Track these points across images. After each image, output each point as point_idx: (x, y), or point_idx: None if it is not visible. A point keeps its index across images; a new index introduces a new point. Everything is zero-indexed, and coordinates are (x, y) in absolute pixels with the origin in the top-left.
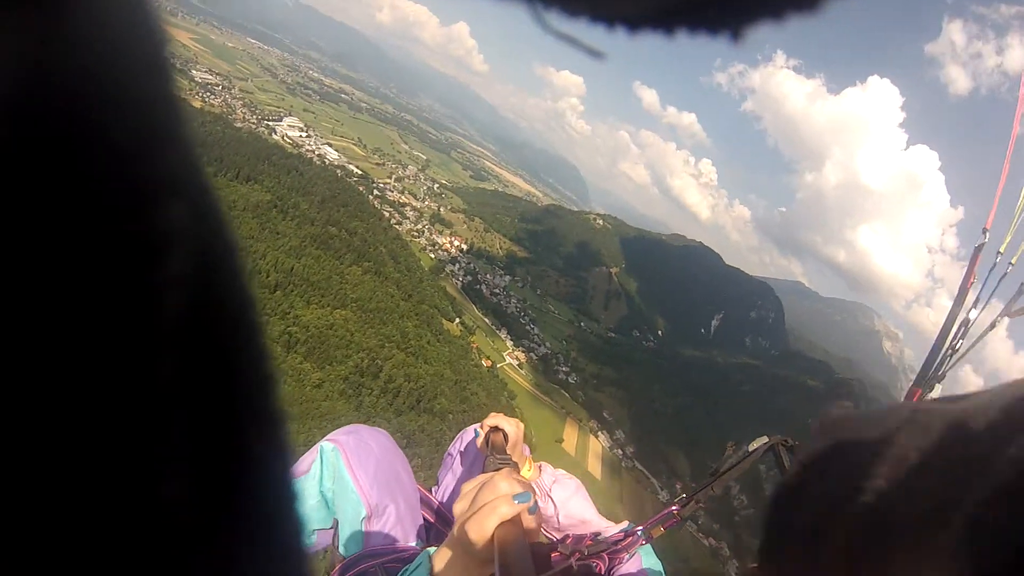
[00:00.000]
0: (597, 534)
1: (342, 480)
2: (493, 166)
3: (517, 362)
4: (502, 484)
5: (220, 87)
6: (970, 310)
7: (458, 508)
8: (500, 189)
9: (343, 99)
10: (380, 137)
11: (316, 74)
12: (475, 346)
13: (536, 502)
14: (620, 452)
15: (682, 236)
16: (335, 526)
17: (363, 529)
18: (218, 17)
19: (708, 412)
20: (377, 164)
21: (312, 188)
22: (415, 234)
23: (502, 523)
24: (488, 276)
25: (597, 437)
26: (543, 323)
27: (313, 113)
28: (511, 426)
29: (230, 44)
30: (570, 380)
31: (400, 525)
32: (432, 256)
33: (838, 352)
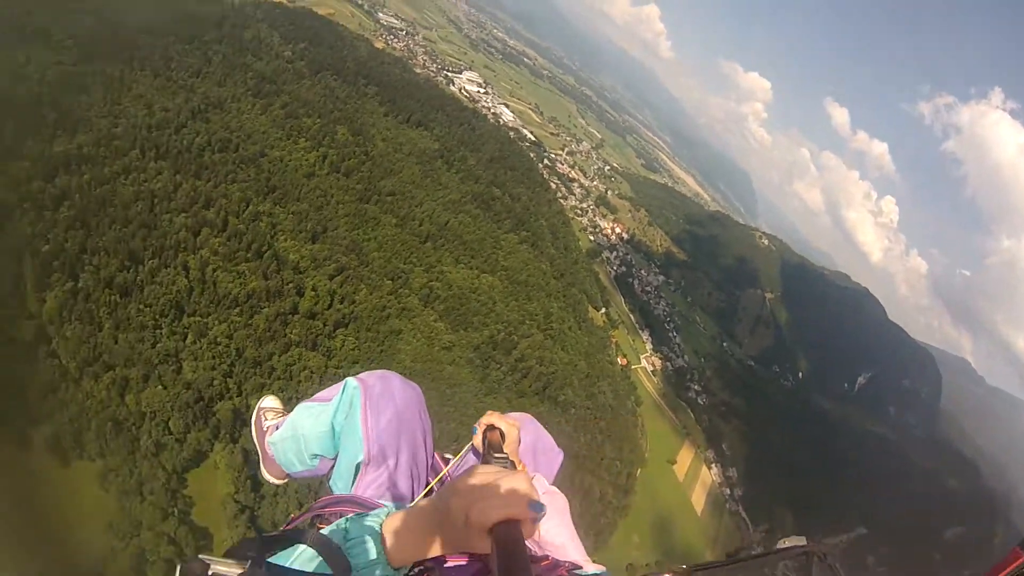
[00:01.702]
0: (576, 567)
1: (353, 420)
2: (666, 159)
3: (651, 368)
4: (524, 484)
5: (404, 32)
6: None
7: (464, 483)
8: (670, 184)
9: (525, 63)
10: (558, 107)
11: (501, 34)
12: (614, 341)
13: (542, 517)
14: (728, 492)
15: (846, 276)
16: (336, 459)
17: (356, 473)
18: None
19: (830, 476)
20: (552, 134)
21: (482, 145)
22: (578, 212)
23: (505, 520)
24: (643, 272)
25: (710, 469)
26: (686, 333)
27: (493, 71)
28: (507, 426)
29: None
30: (699, 400)
31: (393, 482)
32: (591, 239)
33: (992, 453)
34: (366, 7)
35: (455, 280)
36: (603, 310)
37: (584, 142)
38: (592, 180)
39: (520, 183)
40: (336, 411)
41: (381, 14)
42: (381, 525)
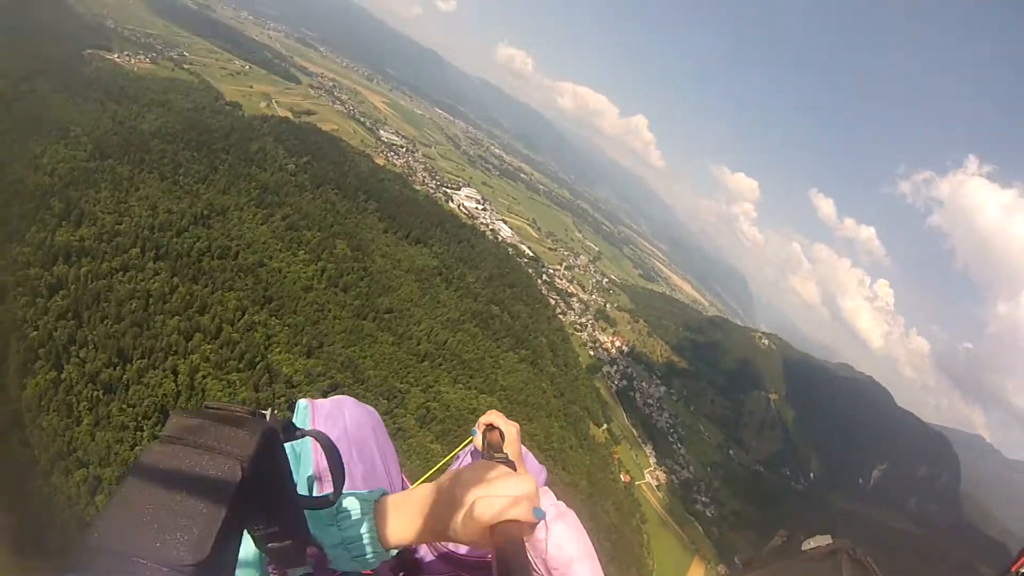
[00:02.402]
0: None
1: (305, 439)
2: (663, 267)
3: (656, 482)
4: (531, 487)
5: (404, 149)
6: None
7: (472, 475)
8: (667, 292)
9: (522, 178)
10: (555, 221)
11: (498, 150)
12: (616, 458)
13: (543, 526)
14: None
15: (849, 367)
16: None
17: (314, 488)
18: (410, 86)
19: None
20: (550, 248)
21: (481, 262)
22: (578, 327)
23: (506, 521)
24: (644, 384)
25: None
26: (691, 444)
27: (491, 187)
28: (507, 426)
29: (419, 111)
30: (707, 513)
31: None
32: (591, 353)
33: (1020, 531)
34: (368, 124)
35: (453, 400)
36: (604, 426)
37: (582, 255)
38: (591, 293)
39: (519, 300)
40: None
41: (382, 131)
42: (374, 503)
